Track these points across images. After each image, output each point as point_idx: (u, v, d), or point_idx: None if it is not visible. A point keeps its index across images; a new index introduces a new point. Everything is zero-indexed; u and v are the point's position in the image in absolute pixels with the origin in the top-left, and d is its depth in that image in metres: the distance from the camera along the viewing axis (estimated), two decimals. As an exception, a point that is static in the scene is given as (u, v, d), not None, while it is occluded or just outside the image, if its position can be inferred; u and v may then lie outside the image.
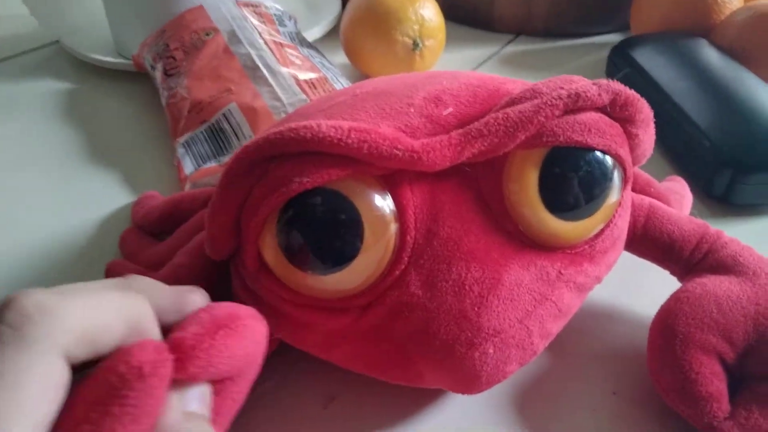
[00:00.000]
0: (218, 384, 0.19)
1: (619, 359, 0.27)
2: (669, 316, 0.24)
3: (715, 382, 0.22)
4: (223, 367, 0.18)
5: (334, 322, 0.22)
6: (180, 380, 0.17)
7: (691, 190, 0.34)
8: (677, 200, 0.31)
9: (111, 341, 0.16)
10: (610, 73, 0.48)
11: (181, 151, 0.38)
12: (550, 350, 0.27)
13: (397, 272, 0.21)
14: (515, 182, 0.22)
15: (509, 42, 0.56)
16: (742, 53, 0.44)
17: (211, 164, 0.36)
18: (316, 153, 0.20)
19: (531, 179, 0.22)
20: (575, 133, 0.21)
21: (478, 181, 0.22)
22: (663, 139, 0.38)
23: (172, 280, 0.25)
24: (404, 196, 0.21)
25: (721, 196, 0.35)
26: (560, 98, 0.21)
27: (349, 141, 0.20)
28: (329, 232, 0.20)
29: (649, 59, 0.43)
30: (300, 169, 0.20)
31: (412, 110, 0.22)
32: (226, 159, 0.37)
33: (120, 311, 0.16)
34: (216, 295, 0.25)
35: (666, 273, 0.28)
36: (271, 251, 0.21)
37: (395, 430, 0.24)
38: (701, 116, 0.37)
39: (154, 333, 0.17)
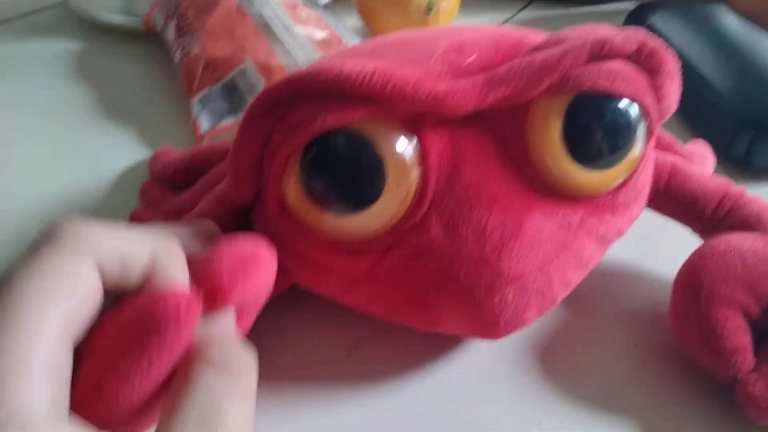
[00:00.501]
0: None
1: (641, 316, 0.27)
2: (693, 271, 0.24)
3: (739, 335, 0.22)
4: (250, 296, 0.18)
5: (355, 264, 0.22)
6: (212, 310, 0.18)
7: (713, 152, 0.33)
8: (699, 161, 0.31)
9: (140, 265, 0.17)
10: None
11: (197, 108, 0.37)
12: (570, 308, 0.27)
13: (419, 216, 0.21)
14: (538, 130, 0.22)
15: (523, 8, 0.55)
16: (762, 18, 0.44)
17: (228, 121, 0.36)
18: (339, 94, 0.20)
19: (554, 127, 0.21)
20: (601, 79, 0.21)
21: (501, 128, 0.22)
22: (682, 104, 0.38)
23: None
24: (427, 140, 0.21)
25: (740, 159, 0.34)
26: (586, 44, 0.21)
27: (373, 82, 0.19)
28: (352, 172, 0.20)
29: (665, 25, 0.43)
30: (323, 109, 0.20)
31: (435, 57, 0.22)
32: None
33: (148, 240, 0.18)
34: None
35: (687, 232, 0.28)
36: (293, 192, 0.21)
37: (417, 378, 0.24)
38: (720, 80, 0.36)
39: (182, 263, 0.18)
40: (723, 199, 0.26)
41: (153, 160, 0.34)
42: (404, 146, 0.21)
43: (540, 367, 0.25)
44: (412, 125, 0.21)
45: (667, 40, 0.41)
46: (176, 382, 0.16)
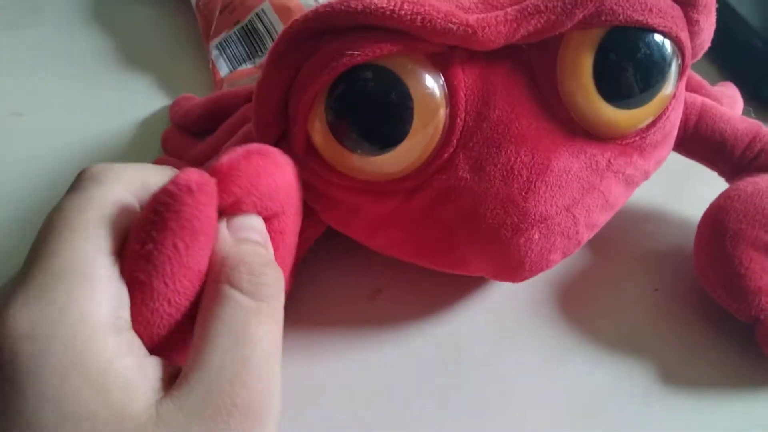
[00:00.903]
0: (266, 221, 0.19)
1: (663, 258, 0.27)
2: (719, 212, 0.24)
3: (764, 277, 0.22)
4: (264, 190, 0.18)
5: (382, 205, 0.22)
6: (230, 210, 0.18)
7: (741, 93, 0.33)
8: (729, 103, 0.30)
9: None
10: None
11: (215, 53, 0.37)
12: (593, 249, 0.27)
13: (446, 155, 0.21)
14: (570, 67, 0.21)
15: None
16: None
17: (247, 66, 0.36)
18: (368, 27, 0.19)
19: (586, 63, 0.21)
20: (635, 11, 0.20)
21: (531, 64, 0.22)
22: (712, 42, 0.37)
23: None
24: (456, 77, 0.21)
25: None
26: None
27: (402, 12, 0.19)
28: (379, 109, 0.20)
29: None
30: (351, 43, 0.19)
31: None
32: (262, 60, 0.36)
33: (167, 170, 0.19)
34: None
35: (712, 177, 0.27)
36: (319, 132, 0.21)
37: (437, 322, 0.25)
38: (752, 14, 0.35)
39: None
40: (753, 140, 0.26)
41: (174, 107, 0.34)
42: (432, 83, 0.20)
43: (560, 309, 0.25)
44: (441, 61, 0.20)
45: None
46: (205, 304, 0.16)
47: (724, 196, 0.24)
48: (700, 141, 0.26)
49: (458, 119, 0.21)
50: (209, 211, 0.16)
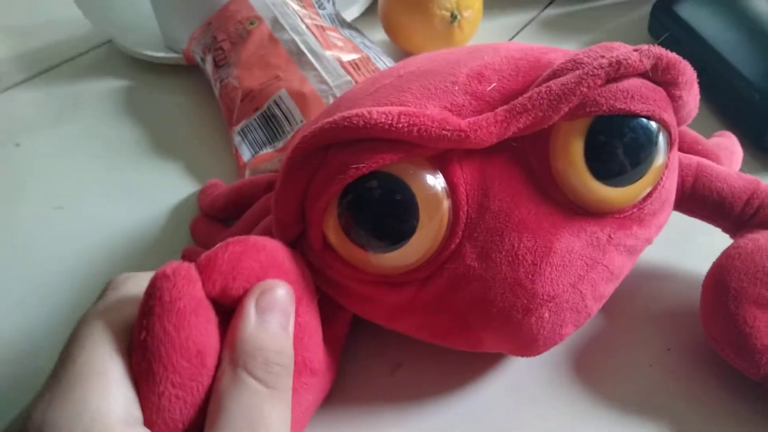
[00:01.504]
0: None
1: (673, 317, 0.27)
2: (721, 272, 0.24)
3: None
4: (248, 272, 0.20)
5: (397, 295, 0.23)
6: (222, 298, 0.20)
7: (742, 144, 0.33)
8: (727, 156, 0.31)
9: None
10: (653, 30, 0.47)
11: (237, 139, 0.40)
12: (605, 312, 0.27)
13: (453, 246, 0.22)
14: (561, 153, 0.22)
15: (547, 5, 0.55)
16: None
17: (267, 150, 0.38)
18: (370, 139, 0.21)
19: (577, 149, 0.22)
20: (618, 101, 0.22)
21: (526, 154, 0.23)
22: (710, 94, 0.38)
23: None
24: (455, 174, 0.22)
25: None
26: (601, 67, 0.22)
27: (399, 125, 0.21)
28: (386, 212, 0.22)
29: (692, 12, 0.42)
30: (355, 156, 0.21)
31: (457, 88, 0.23)
32: (281, 144, 0.38)
33: None
34: None
35: (717, 231, 0.28)
36: (334, 233, 0.22)
37: (461, 395, 0.25)
38: (749, 68, 0.36)
39: None
40: (751, 197, 0.26)
41: (201, 195, 0.36)
42: (433, 182, 0.22)
43: (576, 375, 0.26)
44: (440, 160, 0.22)
45: (693, 28, 0.41)
46: (221, 385, 0.18)
47: (725, 255, 0.25)
48: (698, 201, 0.27)
49: (461, 212, 0.22)
50: (191, 292, 0.18)
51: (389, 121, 0.21)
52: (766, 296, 0.23)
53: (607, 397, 0.25)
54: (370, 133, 0.21)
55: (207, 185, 0.37)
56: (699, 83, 0.24)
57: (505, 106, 0.22)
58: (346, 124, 0.21)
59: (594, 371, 0.26)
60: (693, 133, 0.31)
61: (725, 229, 0.27)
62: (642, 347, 0.26)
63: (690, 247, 0.30)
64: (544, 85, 0.22)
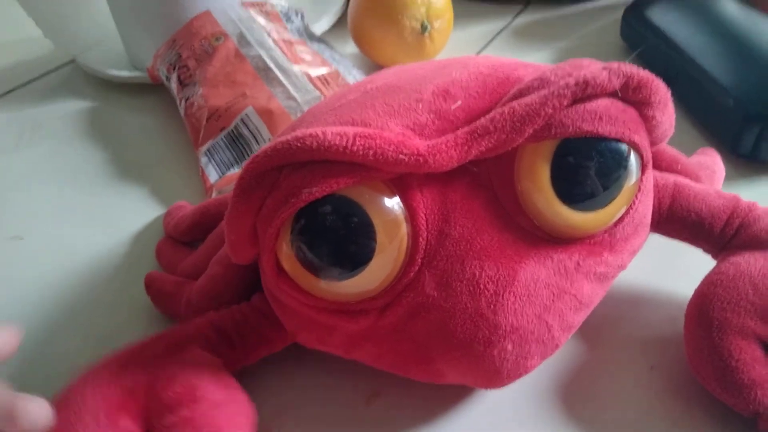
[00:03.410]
0: None
1: (657, 340, 0.27)
2: (703, 301, 0.23)
3: (757, 367, 0.22)
4: None
5: (354, 324, 0.22)
6: None
7: (717, 150, 0.33)
8: (708, 175, 0.30)
9: None
10: (625, 35, 0.47)
11: (204, 160, 0.38)
12: (585, 336, 0.27)
13: (412, 273, 0.22)
14: (527, 176, 0.22)
15: (519, 13, 0.55)
16: (762, 2, 0.43)
17: (235, 171, 0.37)
18: (324, 161, 0.20)
19: (542, 172, 0.22)
20: (585, 122, 0.21)
21: (489, 177, 0.22)
22: (685, 101, 0.38)
23: (210, 289, 0.27)
24: (414, 199, 0.21)
25: (748, 154, 0.34)
26: (568, 87, 0.21)
27: (355, 148, 0.20)
28: (341, 238, 0.21)
29: (663, 17, 0.42)
30: (308, 178, 0.20)
31: (421, 106, 0.22)
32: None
33: None
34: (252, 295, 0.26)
35: (700, 251, 0.27)
36: (287, 259, 0.22)
37: (440, 427, 0.25)
38: (722, 73, 0.36)
39: None
40: (731, 216, 0.26)
41: (167, 217, 0.36)
42: (391, 207, 0.21)
43: (558, 402, 0.25)
44: (398, 184, 0.21)
45: (665, 33, 0.41)
46: None
47: (707, 283, 0.24)
48: (676, 222, 0.26)
49: (420, 239, 0.21)
50: None
51: (344, 144, 0.20)
52: (750, 326, 0.22)
53: (592, 422, 0.24)
54: (324, 155, 0.20)
55: (172, 207, 0.36)
56: (672, 89, 0.24)
57: (466, 128, 0.21)
58: (299, 144, 0.20)
59: (577, 397, 0.25)
60: (672, 152, 0.30)
61: (706, 250, 0.27)
62: (625, 372, 0.26)
63: (673, 268, 0.29)
64: (507, 105, 0.21)
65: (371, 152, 0.20)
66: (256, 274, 0.26)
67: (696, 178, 0.29)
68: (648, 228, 0.25)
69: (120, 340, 0.25)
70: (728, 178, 0.33)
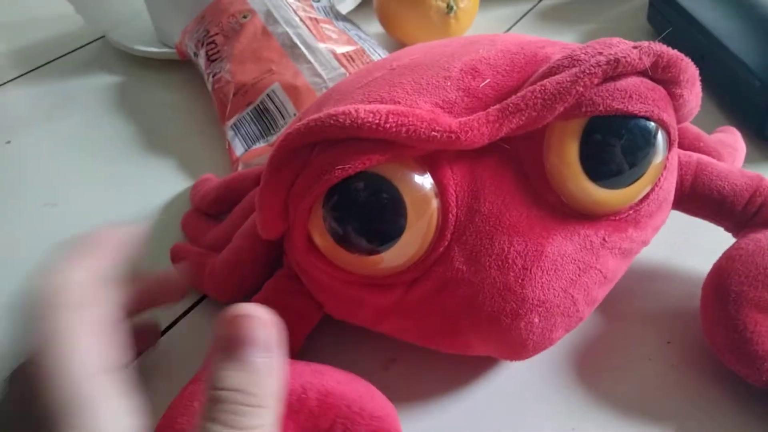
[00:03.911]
0: None
1: (674, 315, 0.26)
2: (721, 274, 0.23)
3: None
4: None
5: (383, 297, 0.22)
6: None
7: (742, 133, 0.32)
8: (729, 153, 0.30)
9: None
10: (652, 19, 0.46)
11: (230, 134, 0.39)
12: (602, 311, 0.27)
13: (441, 249, 0.22)
14: (555, 154, 0.22)
15: (541, -1, 0.55)
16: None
17: (260, 144, 0.38)
18: (357, 138, 0.20)
19: (571, 150, 0.21)
20: (615, 100, 0.21)
21: (518, 155, 0.22)
22: (711, 83, 0.37)
23: (234, 261, 0.27)
24: (444, 175, 0.21)
25: None
26: (599, 65, 0.21)
27: (387, 126, 0.20)
28: (373, 214, 0.21)
29: (691, 0, 0.42)
30: (341, 156, 0.20)
31: (449, 84, 0.22)
32: (274, 138, 0.38)
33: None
34: (274, 272, 0.26)
35: (719, 228, 0.27)
36: (319, 234, 0.22)
37: (456, 392, 0.25)
38: (750, 55, 0.35)
39: None
40: (753, 194, 0.25)
41: (193, 190, 0.36)
42: (422, 183, 0.21)
43: (573, 373, 0.25)
44: (429, 161, 0.21)
45: (693, 15, 0.40)
46: None
47: (725, 257, 0.24)
48: (698, 200, 0.26)
49: (450, 215, 0.21)
50: None
51: (377, 121, 0.20)
52: (767, 299, 0.22)
53: (607, 394, 0.24)
54: (356, 132, 0.20)
55: (199, 180, 0.36)
56: (699, 71, 0.23)
57: (498, 106, 0.21)
58: (332, 122, 0.20)
59: (592, 369, 0.25)
60: (695, 130, 0.30)
61: (727, 229, 0.26)
62: (641, 346, 0.26)
63: (692, 245, 0.29)
64: (538, 83, 0.21)
65: (404, 129, 0.20)
66: (278, 249, 0.26)
67: (718, 156, 0.28)
68: (670, 206, 0.25)
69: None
70: (753, 161, 0.33)
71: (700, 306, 0.24)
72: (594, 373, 0.25)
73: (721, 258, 0.24)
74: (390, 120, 0.20)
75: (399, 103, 0.22)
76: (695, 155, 0.27)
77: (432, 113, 0.21)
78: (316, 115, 0.21)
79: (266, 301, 0.22)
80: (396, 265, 0.22)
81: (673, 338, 0.26)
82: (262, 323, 0.17)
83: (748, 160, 0.32)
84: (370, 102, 0.22)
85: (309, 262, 0.23)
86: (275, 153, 0.21)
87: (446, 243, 0.22)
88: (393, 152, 0.20)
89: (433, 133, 0.20)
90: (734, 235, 0.26)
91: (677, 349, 0.25)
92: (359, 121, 0.20)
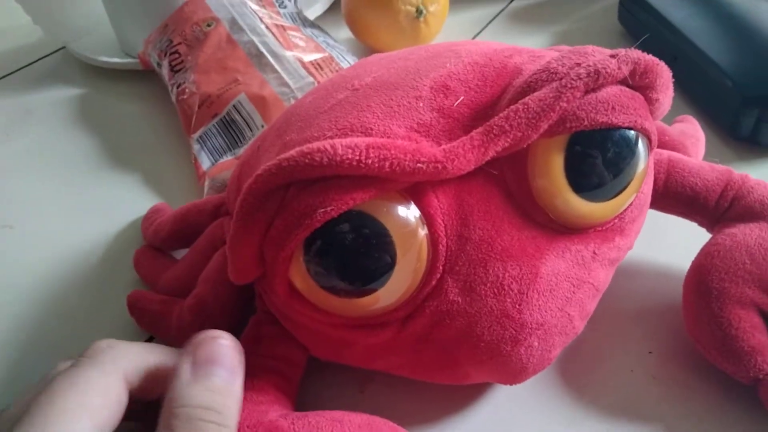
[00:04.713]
0: None
1: (654, 317, 0.25)
2: (701, 272, 0.23)
3: (756, 335, 0.21)
4: None
5: (375, 337, 0.21)
6: None
7: (716, 133, 0.32)
8: (693, 144, 0.29)
9: (161, 377, 0.19)
10: (623, 19, 0.46)
11: (196, 147, 0.37)
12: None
13: (434, 281, 0.20)
14: (541, 172, 0.20)
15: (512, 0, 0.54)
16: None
17: (228, 158, 0.36)
18: (334, 176, 0.18)
19: (556, 166, 0.20)
20: (599, 114, 0.19)
21: (503, 176, 0.21)
22: (683, 84, 0.36)
23: (198, 311, 0.24)
24: (431, 205, 0.20)
25: (747, 137, 0.32)
26: (580, 78, 0.19)
27: (369, 161, 0.18)
28: (360, 256, 0.19)
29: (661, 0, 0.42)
30: (322, 197, 0.18)
31: (422, 104, 0.21)
32: (241, 151, 0.36)
33: (167, 356, 0.20)
34: (245, 317, 0.24)
35: (692, 224, 0.26)
36: (301, 280, 0.19)
37: (435, 410, 0.23)
38: (721, 55, 0.34)
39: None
40: (725, 189, 0.25)
41: (145, 222, 0.32)
42: (407, 216, 0.19)
43: (559, 384, 0.24)
44: (413, 192, 0.19)
45: (663, 15, 0.39)
46: None
47: (704, 254, 0.23)
48: (671, 198, 0.25)
49: (440, 246, 0.20)
50: None
51: (357, 157, 0.18)
52: (749, 295, 0.21)
53: (590, 404, 0.23)
54: (335, 170, 0.18)
55: (150, 211, 0.33)
56: (671, 72, 0.22)
57: (480, 129, 0.19)
58: (306, 161, 0.18)
59: (576, 376, 0.24)
60: (659, 124, 0.29)
61: (701, 224, 0.25)
62: (624, 351, 0.24)
63: (667, 241, 0.28)
64: (520, 102, 0.19)
65: (387, 164, 0.18)
66: (249, 291, 0.24)
67: (684, 149, 0.28)
68: (648, 207, 0.24)
69: (111, 332, 0.24)
70: (727, 161, 0.31)
71: (682, 306, 0.23)
72: (576, 386, 0.24)
73: (699, 255, 0.23)
74: (371, 155, 0.18)
75: (371, 129, 0.20)
76: (665, 152, 0.26)
77: (414, 143, 0.19)
78: (287, 154, 0.18)
79: (251, 355, 0.21)
80: (388, 304, 0.20)
81: (655, 341, 0.25)
82: (229, 347, 0.19)
83: (721, 160, 0.31)
84: (339, 129, 0.20)
85: (292, 308, 0.21)
86: (245, 198, 0.19)
87: (438, 275, 0.20)
88: (377, 188, 0.18)
89: (418, 164, 0.18)
90: (708, 230, 0.25)
91: (661, 352, 0.24)
92: (338, 159, 0.18)
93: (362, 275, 0.19)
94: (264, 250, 0.20)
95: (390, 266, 0.19)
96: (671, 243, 0.28)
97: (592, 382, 0.24)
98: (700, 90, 0.35)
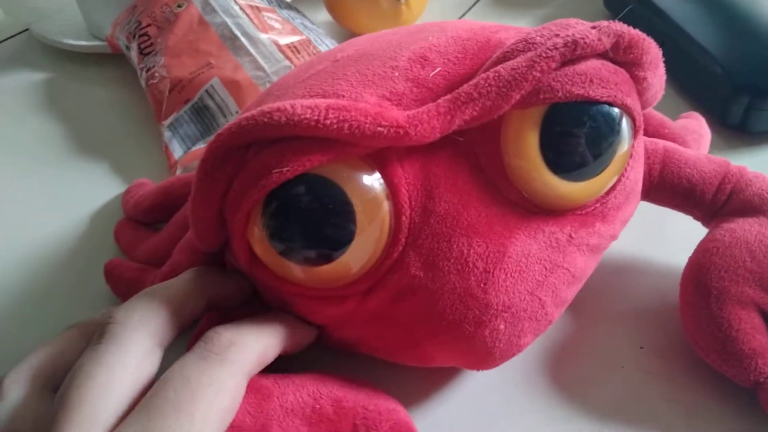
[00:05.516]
0: None
1: (646, 313, 0.26)
2: (700, 270, 0.23)
3: (757, 336, 0.21)
4: None
5: (335, 309, 0.21)
6: None
7: (707, 120, 0.32)
8: (694, 139, 0.29)
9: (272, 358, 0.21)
10: (609, 3, 0.45)
11: (167, 134, 0.36)
12: (573, 312, 0.26)
13: (395, 254, 0.20)
14: (514, 146, 0.20)
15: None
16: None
17: (201, 146, 0.35)
18: (295, 137, 0.19)
19: (531, 141, 0.20)
20: (575, 86, 0.20)
21: (473, 148, 0.21)
22: (673, 71, 0.36)
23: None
24: (395, 174, 0.20)
25: (738, 125, 0.33)
26: (556, 48, 0.19)
27: (328, 122, 0.18)
28: (317, 221, 0.19)
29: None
30: (279, 157, 0.19)
31: (397, 74, 0.21)
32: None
33: (278, 337, 0.21)
34: None
35: (688, 218, 0.26)
36: (260, 245, 0.20)
37: (422, 405, 0.23)
38: (711, 42, 0.34)
39: None
40: (722, 182, 0.25)
41: (125, 196, 0.33)
42: (371, 184, 0.19)
43: (548, 380, 0.24)
44: (377, 159, 0.20)
45: (651, 0, 0.39)
46: None
47: (702, 251, 0.23)
48: (667, 189, 0.25)
49: (403, 217, 0.20)
50: None
51: (315, 117, 0.18)
52: (749, 294, 0.21)
53: (580, 403, 0.23)
54: (293, 130, 0.18)
55: (132, 185, 0.34)
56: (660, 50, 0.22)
57: (448, 96, 0.19)
58: (265, 120, 0.18)
59: (565, 372, 0.24)
60: (659, 116, 0.29)
61: (697, 217, 0.26)
62: (615, 347, 0.25)
63: (662, 236, 0.28)
64: (492, 70, 0.19)
65: (346, 125, 0.18)
66: (222, 263, 0.24)
67: (683, 143, 0.28)
68: (639, 196, 0.24)
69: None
70: (717, 149, 0.32)
71: (679, 305, 0.23)
72: (564, 382, 0.24)
73: (697, 252, 0.23)
74: (330, 116, 0.18)
75: (343, 96, 0.20)
76: (661, 142, 0.26)
77: (377, 107, 0.19)
78: (248, 113, 0.19)
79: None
80: (347, 275, 0.20)
81: (647, 339, 0.25)
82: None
83: (711, 147, 0.31)
84: (311, 96, 0.20)
85: (253, 273, 0.21)
86: (206, 156, 0.20)
87: (400, 248, 0.20)
88: (336, 151, 0.19)
89: (378, 128, 0.18)
90: (705, 225, 0.26)
91: (652, 350, 0.24)
92: (296, 118, 0.18)
93: (320, 241, 0.19)
94: (225, 212, 0.20)
95: (350, 234, 0.19)
96: (664, 237, 0.28)
97: (582, 378, 0.24)
98: (690, 77, 0.36)
